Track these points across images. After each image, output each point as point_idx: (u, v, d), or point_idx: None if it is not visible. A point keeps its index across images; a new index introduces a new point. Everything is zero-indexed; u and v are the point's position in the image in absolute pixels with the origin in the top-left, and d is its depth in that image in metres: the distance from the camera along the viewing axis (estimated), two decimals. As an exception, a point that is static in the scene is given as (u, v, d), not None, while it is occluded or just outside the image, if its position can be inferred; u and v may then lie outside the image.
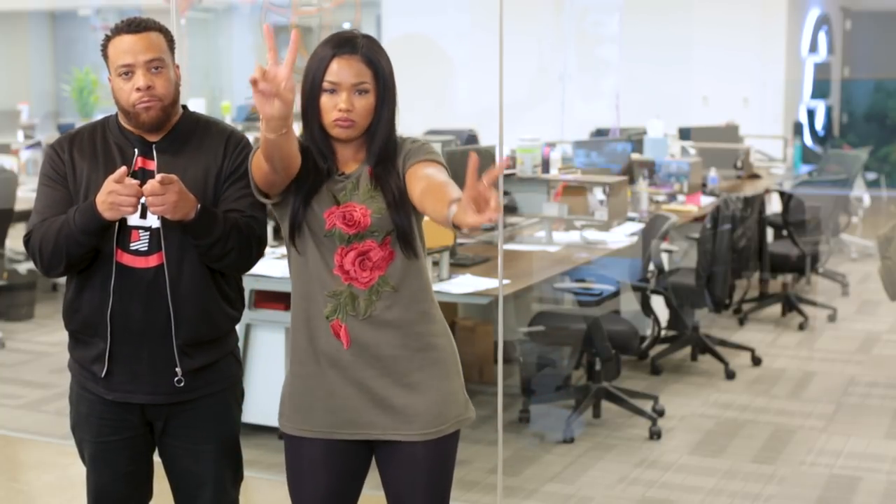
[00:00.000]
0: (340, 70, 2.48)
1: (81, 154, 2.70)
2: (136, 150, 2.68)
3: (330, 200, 2.53)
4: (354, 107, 2.48)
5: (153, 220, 2.64)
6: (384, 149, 2.54)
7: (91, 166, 2.68)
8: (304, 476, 2.60)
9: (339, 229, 2.51)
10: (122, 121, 2.72)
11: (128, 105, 2.64)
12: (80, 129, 2.78)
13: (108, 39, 2.68)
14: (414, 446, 2.53)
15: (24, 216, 7.51)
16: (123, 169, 2.53)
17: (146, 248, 2.64)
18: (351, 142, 2.54)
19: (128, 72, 2.63)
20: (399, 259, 2.53)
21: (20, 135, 10.62)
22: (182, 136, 2.71)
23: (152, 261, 2.64)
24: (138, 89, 2.62)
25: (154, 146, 2.69)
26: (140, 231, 2.64)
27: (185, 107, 2.77)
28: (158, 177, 2.51)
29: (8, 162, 8.55)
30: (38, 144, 9.03)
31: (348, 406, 2.53)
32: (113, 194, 2.51)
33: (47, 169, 2.73)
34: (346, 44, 2.50)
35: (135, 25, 2.66)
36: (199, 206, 2.58)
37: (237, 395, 2.84)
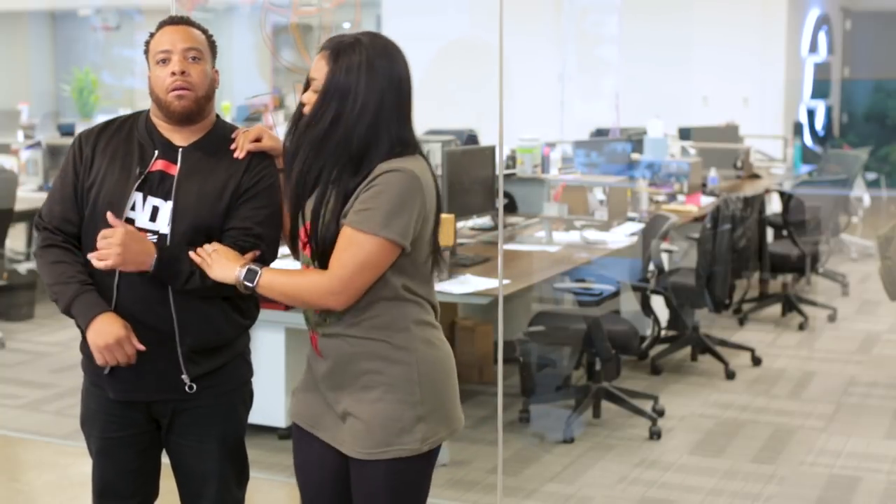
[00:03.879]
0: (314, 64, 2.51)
1: (104, 150, 2.70)
2: (156, 152, 2.68)
3: (306, 217, 2.54)
4: (309, 101, 2.50)
5: (162, 225, 2.63)
6: (334, 157, 2.47)
7: (109, 164, 2.68)
8: (297, 461, 2.71)
9: (302, 248, 2.56)
10: (154, 116, 2.72)
11: (162, 91, 2.66)
12: (111, 122, 2.78)
13: (151, 36, 2.74)
14: (357, 462, 2.52)
15: (24, 216, 7.52)
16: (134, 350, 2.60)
17: None
18: None
19: (165, 59, 2.66)
20: None
21: (20, 135, 10.60)
22: (210, 146, 2.71)
23: None
24: (173, 73, 2.64)
25: (181, 150, 2.68)
26: (148, 234, 2.63)
27: (218, 116, 2.78)
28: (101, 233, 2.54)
29: (8, 162, 8.54)
30: (38, 144, 9.02)
31: (317, 409, 2.60)
32: (115, 349, 2.58)
33: (67, 159, 2.75)
34: (329, 44, 2.50)
35: (177, 19, 2.75)
36: (155, 257, 2.56)
37: (245, 396, 2.84)
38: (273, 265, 2.65)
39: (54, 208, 2.72)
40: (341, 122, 2.45)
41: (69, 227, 2.70)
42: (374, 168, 2.44)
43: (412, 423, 2.49)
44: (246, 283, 2.51)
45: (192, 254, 2.57)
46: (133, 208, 2.64)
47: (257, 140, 2.70)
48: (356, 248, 2.41)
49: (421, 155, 2.53)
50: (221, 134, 2.74)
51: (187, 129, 2.70)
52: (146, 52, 2.73)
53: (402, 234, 2.43)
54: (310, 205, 2.50)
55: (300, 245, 2.56)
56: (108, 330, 2.59)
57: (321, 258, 2.46)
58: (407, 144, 2.50)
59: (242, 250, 2.62)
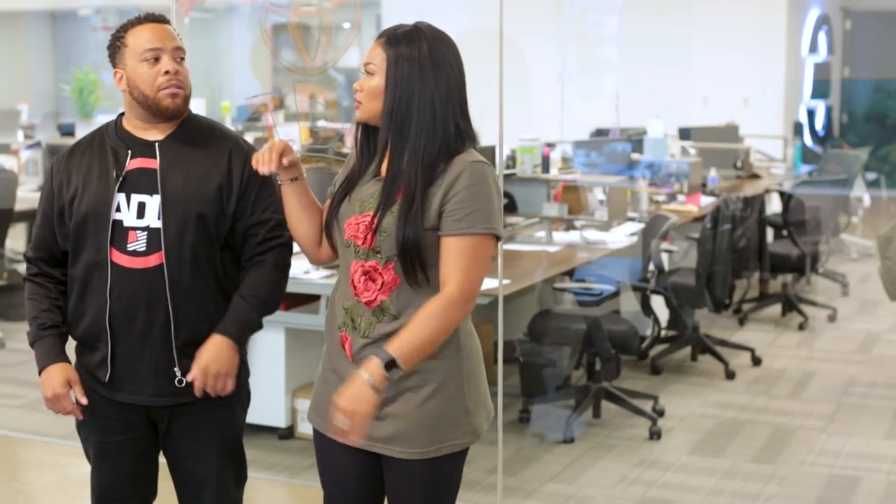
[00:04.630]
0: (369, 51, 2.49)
1: (79, 167, 2.71)
2: (129, 152, 2.68)
3: (355, 207, 2.49)
4: (362, 86, 2.47)
5: (151, 220, 2.63)
6: (396, 147, 2.43)
7: (86, 176, 2.69)
8: (323, 464, 2.65)
9: (353, 241, 2.48)
10: (128, 116, 2.73)
11: (151, 90, 2.65)
12: (80, 142, 2.79)
13: (125, 30, 2.70)
14: (402, 463, 2.48)
15: (24, 216, 7.52)
16: (73, 399, 2.69)
17: (144, 249, 2.63)
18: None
19: (155, 57, 2.65)
20: (404, 287, 2.44)
21: (20, 135, 10.62)
22: (186, 137, 2.72)
23: (151, 261, 2.63)
24: (166, 72, 2.64)
25: (157, 144, 2.69)
26: (137, 231, 2.63)
27: (189, 110, 2.78)
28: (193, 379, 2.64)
29: (8, 162, 8.55)
30: (38, 144, 9.03)
31: None
32: (54, 403, 2.69)
33: (44, 189, 2.79)
34: (384, 31, 2.49)
35: (157, 17, 2.72)
36: (233, 339, 2.65)
37: (242, 397, 2.83)
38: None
39: (33, 237, 2.80)
40: (414, 116, 2.42)
41: (43, 253, 2.78)
42: (452, 163, 2.42)
43: (462, 416, 2.48)
44: (393, 371, 2.36)
45: (336, 423, 2.39)
46: (118, 209, 2.64)
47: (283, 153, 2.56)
48: (472, 250, 2.40)
49: (475, 149, 2.51)
50: (195, 126, 2.75)
51: (161, 125, 2.71)
52: (118, 46, 2.70)
53: (501, 225, 2.47)
54: (369, 200, 2.46)
55: (356, 241, 2.47)
56: (49, 384, 2.69)
57: (404, 256, 2.40)
58: (470, 137, 2.49)
59: (274, 245, 2.69)
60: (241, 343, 2.69)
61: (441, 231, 2.41)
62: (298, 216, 2.60)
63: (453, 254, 2.39)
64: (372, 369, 2.35)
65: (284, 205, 2.62)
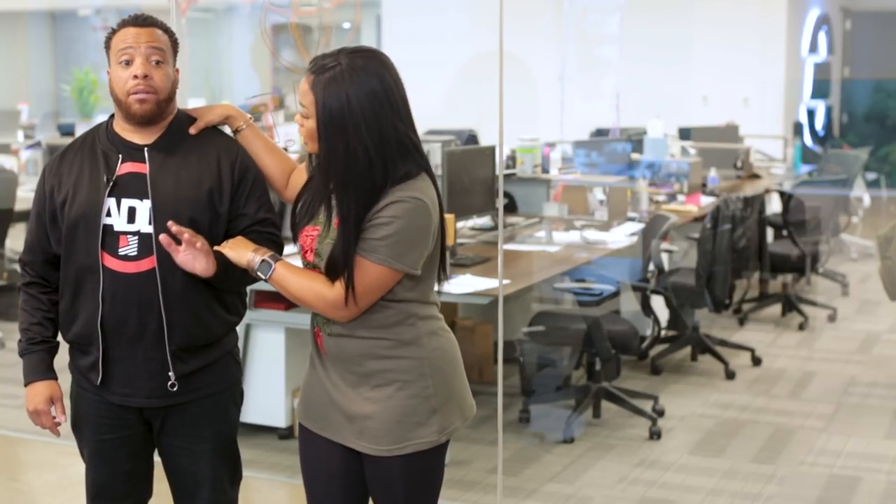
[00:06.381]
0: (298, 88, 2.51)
1: (70, 170, 2.70)
2: (120, 157, 2.67)
3: (313, 217, 2.54)
4: (302, 125, 2.48)
5: (142, 225, 2.62)
6: (338, 195, 2.45)
7: (77, 180, 2.68)
8: (306, 461, 2.67)
9: (300, 249, 2.57)
10: (116, 118, 2.72)
11: (122, 93, 2.63)
12: (72, 144, 2.78)
13: (113, 32, 2.70)
14: (375, 459, 2.53)
15: (24, 216, 7.51)
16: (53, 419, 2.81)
17: (136, 253, 2.62)
18: None
19: (128, 60, 2.63)
20: None
21: (20, 135, 10.62)
22: (175, 139, 2.70)
23: (144, 265, 2.62)
24: (135, 76, 2.61)
25: (146, 149, 2.67)
26: (128, 236, 2.62)
27: (179, 109, 2.77)
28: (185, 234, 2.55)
29: (8, 162, 8.56)
30: (38, 144, 9.04)
31: (325, 410, 2.58)
32: (34, 418, 2.84)
33: (36, 192, 2.77)
34: (310, 65, 2.50)
35: (141, 19, 2.69)
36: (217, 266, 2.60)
37: (236, 395, 2.83)
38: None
39: (26, 240, 2.79)
40: (351, 153, 2.42)
41: (37, 256, 2.76)
42: (386, 194, 2.43)
43: (427, 415, 2.51)
44: (259, 273, 2.54)
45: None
46: (108, 214, 2.63)
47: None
48: (365, 273, 2.43)
49: (426, 171, 2.50)
50: (185, 125, 2.74)
51: (148, 128, 2.69)
52: (107, 48, 2.70)
53: (412, 264, 2.46)
54: (319, 215, 2.51)
55: (301, 251, 2.56)
56: (32, 399, 2.80)
57: (328, 271, 2.47)
58: (410, 169, 2.46)
59: (268, 241, 2.68)
60: (225, 269, 2.60)
61: (363, 245, 2.43)
62: (264, 157, 2.78)
63: (356, 269, 2.43)
64: (254, 257, 2.53)
65: (248, 151, 2.76)
